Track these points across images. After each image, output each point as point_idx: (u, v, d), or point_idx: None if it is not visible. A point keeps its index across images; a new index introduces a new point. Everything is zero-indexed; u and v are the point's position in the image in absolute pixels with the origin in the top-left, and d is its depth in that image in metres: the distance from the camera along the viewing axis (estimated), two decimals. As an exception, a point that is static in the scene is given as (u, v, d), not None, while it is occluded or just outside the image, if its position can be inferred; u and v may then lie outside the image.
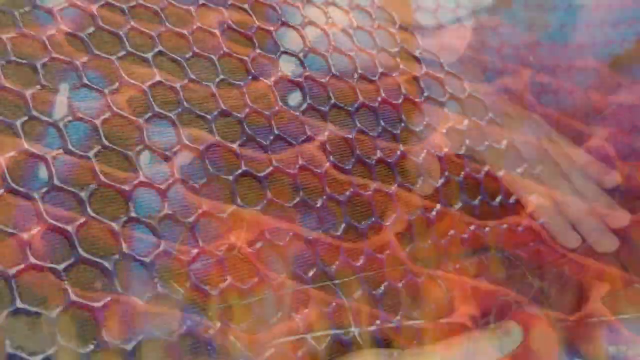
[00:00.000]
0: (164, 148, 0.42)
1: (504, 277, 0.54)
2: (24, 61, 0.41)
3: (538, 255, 0.56)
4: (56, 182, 0.39)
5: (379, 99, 0.51)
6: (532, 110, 0.64)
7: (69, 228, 0.38)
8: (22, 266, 0.37)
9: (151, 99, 0.43)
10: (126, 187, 0.40)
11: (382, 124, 0.50)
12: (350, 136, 0.49)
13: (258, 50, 0.47)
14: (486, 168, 0.57)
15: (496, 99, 0.64)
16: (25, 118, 0.40)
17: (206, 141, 0.44)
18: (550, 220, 0.57)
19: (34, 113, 0.40)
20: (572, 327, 0.53)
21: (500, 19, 0.65)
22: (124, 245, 0.39)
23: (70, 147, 0.40)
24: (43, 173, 0.39)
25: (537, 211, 0.57)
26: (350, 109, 0.50)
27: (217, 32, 0.47)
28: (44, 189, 0.39)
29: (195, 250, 0.42)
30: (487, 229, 0.54)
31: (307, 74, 0.48)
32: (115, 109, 0.42)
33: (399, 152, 0.50)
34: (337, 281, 0.46)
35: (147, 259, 0.40)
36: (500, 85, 0.66)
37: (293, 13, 0.49)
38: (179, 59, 0.45)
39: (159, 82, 0.44)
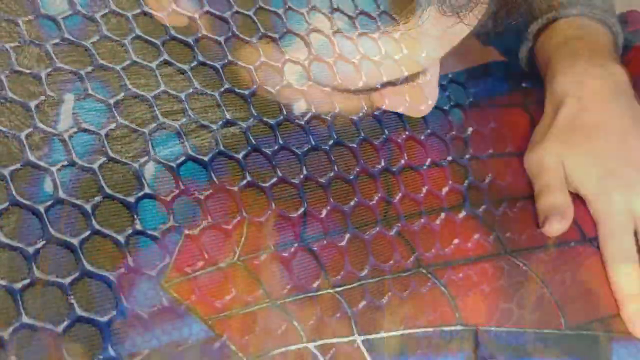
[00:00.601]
0: (168, 159, 0.42)
1: (509, 283, 0.54)
2: (28, 71, 0.41)
3: (547, 261, 0.56)
4: (61, 194, 0.39)
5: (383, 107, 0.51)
6: None
7: (74, 241, 0.38)
8: (27, 281, 0.36)
9: (156, 109, 0.43)
10: (131, 200, 0.40)
11: (386, 132, 0.50)
12: (354, 145, 0.49)
13: (262, 59, 0.47)
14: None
15: None
16: (30, 129, 0.39)
17: (211, 152, 0.44)
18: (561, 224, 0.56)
19: (39, 124, 0.40)
20: (578, 338, 0.53)
21: None
22: (129, 259, 0.39)
23: (75, 159, 0.40)
24: (48, 186, 0.39)
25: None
26: (354, 117, 0.49)
27: (221, 40, 0.46)
28: (49, 202, 0.38)
29: (200, 262, 0.42)
30: (492, 236, 0.54)
31: (311, 82, 0.48)
32: (120, 119, 0.42)
33: (403, 162, 0.50)
34: (339, 289, 0.46)
35: (152, 272, 0.40)
36: None
37: (298, 20, 0.49)
38: (184, 68, 0.45)
39: (164, 92, 0.44)
